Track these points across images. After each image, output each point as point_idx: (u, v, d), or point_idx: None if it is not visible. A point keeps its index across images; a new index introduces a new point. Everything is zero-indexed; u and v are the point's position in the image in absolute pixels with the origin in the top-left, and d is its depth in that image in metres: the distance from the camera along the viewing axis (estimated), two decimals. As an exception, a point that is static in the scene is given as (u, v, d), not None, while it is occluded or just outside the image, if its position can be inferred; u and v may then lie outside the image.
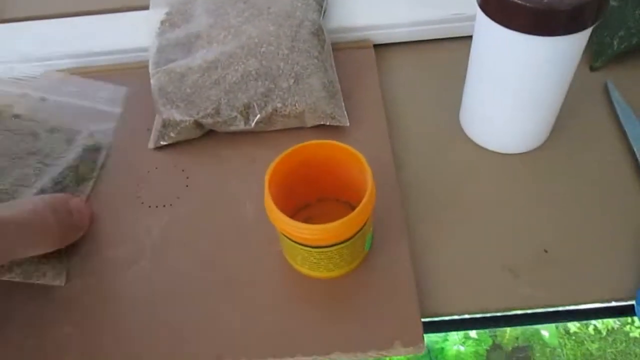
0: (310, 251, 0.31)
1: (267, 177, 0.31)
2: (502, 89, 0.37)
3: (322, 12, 0.45)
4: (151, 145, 0.42)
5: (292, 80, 0.40)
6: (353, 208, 0.36)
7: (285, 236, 0.31)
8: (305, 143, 0.32)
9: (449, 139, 0.42)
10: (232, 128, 0.40)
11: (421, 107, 0.44)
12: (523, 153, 0.40)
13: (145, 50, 0.46)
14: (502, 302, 0.34)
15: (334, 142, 0.32)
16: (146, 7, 0.49)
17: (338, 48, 0.46)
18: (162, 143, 0.41)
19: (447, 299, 0.34)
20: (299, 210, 0.36)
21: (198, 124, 0.40)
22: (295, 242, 0.31)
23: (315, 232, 0.29)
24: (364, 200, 0.30)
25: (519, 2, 0.31)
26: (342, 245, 0.31)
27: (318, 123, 0.40)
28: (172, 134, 0.41)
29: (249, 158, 0.40)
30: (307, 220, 0.36)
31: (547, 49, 0.33)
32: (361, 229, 0.31)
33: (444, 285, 0.34)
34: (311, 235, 0.30)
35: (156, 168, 0.41)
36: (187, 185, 0.40)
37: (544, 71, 0.35)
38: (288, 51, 0.41)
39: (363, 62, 0.46)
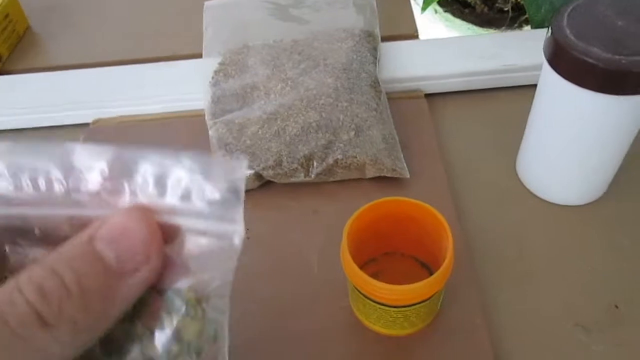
0: (389, 310, 0.31)
1: (345, 234, 0.31)
2: (566, 143, 0.37)
3: (377, 63, 0.46)
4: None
5: (353, 133, 0.40)
6: (420, 263, 0.36)
7: (362, 294, 0.31)
8: (383, 200, 0.32)
9: (507, 190, 0.42)
10: (292, 179, 0.40)
11: (476, 157, 0.44)
12: (584, 205, 0.40)
13: (197, 99, 0.47)
14: (576, 361, 0.33)
15: (412, 200, 0.32)
16: (197, 56, 0.50)
17: (390, 98, 0.46)
18: (222, 194, 0.41)
19: (521, 357, 0.33)
20: (365, 263, 0.36)
21: (258, 176, 0.40)
22: (374, 300, 0.30)
23: (398, 293, 0.29)
24: (447, 261, 0.29)
25: (595, 62, 0.31)
26: (422, 304, 0.31)
27: (378, 175, 0.41)
28: (231, 185, 0.41)
29: (310, 209, 0.40)
30: (376, 274, 0.35)
31: (616, 106, 0.33)
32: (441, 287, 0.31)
33: (517, 343, 0.34)
34: (393, 296, 0.29)
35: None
36: (248, 237, 0.39)
37: (610, 127, 0.35)
38: (347, 103, 0.41)
39: (416, 112, 0.46)
